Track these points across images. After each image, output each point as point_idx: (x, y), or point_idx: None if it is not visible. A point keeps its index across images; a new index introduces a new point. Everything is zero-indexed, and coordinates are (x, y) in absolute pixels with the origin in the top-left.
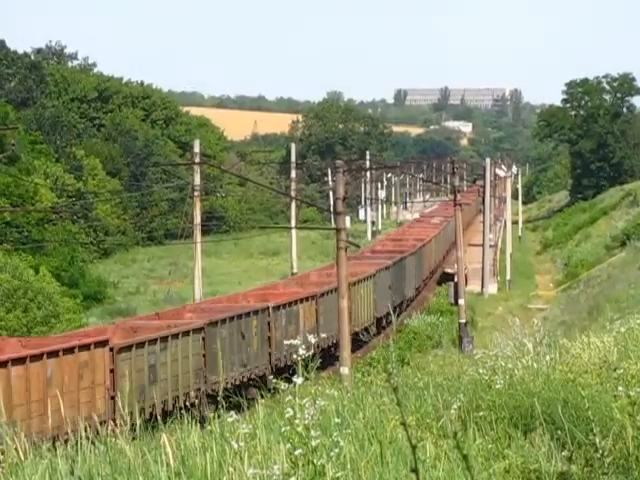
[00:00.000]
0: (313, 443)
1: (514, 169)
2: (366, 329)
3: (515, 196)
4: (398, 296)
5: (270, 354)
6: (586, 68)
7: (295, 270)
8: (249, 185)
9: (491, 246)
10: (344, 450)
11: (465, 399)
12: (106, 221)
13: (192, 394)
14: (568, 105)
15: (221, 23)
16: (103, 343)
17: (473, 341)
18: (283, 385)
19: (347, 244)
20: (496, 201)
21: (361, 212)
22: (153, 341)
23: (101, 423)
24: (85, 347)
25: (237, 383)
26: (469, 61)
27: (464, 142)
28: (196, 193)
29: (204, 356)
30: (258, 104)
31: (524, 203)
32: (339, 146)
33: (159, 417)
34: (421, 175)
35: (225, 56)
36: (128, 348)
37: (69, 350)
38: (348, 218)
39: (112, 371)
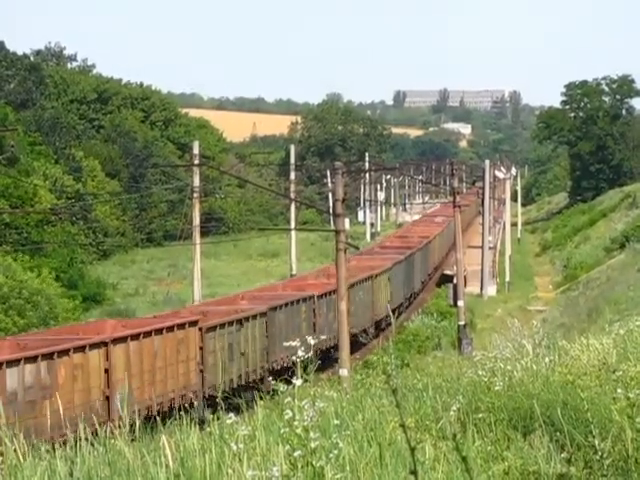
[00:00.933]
0: (312, 445)
1: (513, 171)
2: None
3: (514, 198)
4: (408, 289)
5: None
6: (585, 70)
7: (294, 272)
8: (248, 187)
9: (490, 248)
10: (343, 452)
11: (464, 401)
12: (105, 222)
13: (258, 371)
14: (567, 107)
15: (220, 24)
16: (194, 323)
17: (472, 343)
18: (282, 387)
19: (346, 246)
20: (495, 203)
21: (360, 214)
22: (231, 323)
23: (193, 393)
24: (181, 326)
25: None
26: (468, 63)
27: (463, 144)
28: (195, 194)
29: (267, 337)
30: (257, 106)
31: (523, 205)
32: (338, 148)
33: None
34: (420, 177)
35: (224, 57)
36: (213, 328)
37: (170, 328)
38: (347, 220)
39: (201, 348)
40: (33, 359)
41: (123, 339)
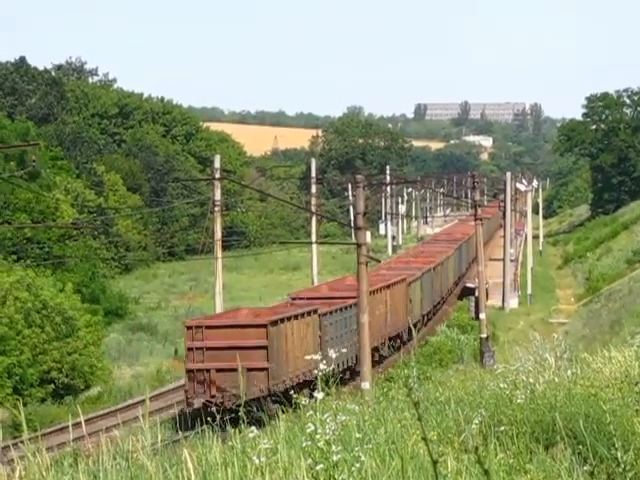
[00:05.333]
0: (334, 458)
1: (535, 183)
2: (443, 297)
3: (536, 210)
4: (459, 270)
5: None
6: (606, 82)
7: (315, 285)
8: (269, 200)
9: (512, 260)
10: (365, 465)
11: (486, 414)
12: (127, 237)
13: (423, 313)
14: (588, 119)
15: (242, 39)
16: (403, 280)
17: (494, 355)
18: (304, 400)
19: (368, 259)
20: (517, 215)
21: (381, 227)
22: (409, 283)
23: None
24: (387, 287)
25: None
26: (489, 75)
27: (484, 156)
28: (216, 208)
29: (422, 292)
30: (278, 119)
31: (545, 217)
32: (359, 161)
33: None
34: (441, 190)
35: (245, 71)
36: (410, 283)
37: (387, 287)
38: (369, 233)
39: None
40: (387, 287)
41: (394, 284)
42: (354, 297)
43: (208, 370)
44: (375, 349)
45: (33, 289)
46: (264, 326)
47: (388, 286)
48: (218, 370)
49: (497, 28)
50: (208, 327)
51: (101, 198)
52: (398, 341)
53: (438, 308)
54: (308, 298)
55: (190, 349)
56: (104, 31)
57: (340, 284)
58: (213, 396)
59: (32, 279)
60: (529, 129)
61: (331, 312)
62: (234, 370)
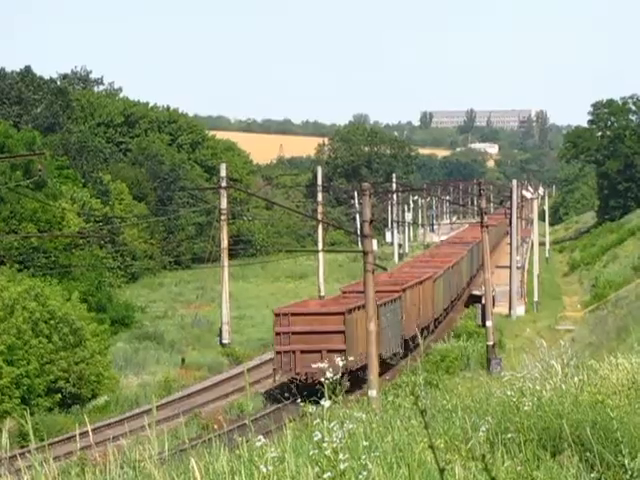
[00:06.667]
0: (341, 466)
1: (541, 190)
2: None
3: (542, 217)
4: (472, 270)
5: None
6: (612, 89)
7: (322, 293)
8: (276, 208)
9: (518, 268)
10: (372, 473)
11: (493, 421)
12: (133, 245)
13: (446, 302)
14: (594, 126)
15: (247, 47)
16: (430, 277)
17: (501, 363)
18: (311, 408)
19: (374, 267)
20: (523, 223)
21: (388, 235)
22: (436, 279)
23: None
24: (420, 283)
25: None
26: (495, 83)
27: (490, 164)
28: (223, 217)
29: (449, 286)
30: (284, 127)
31: (551, 224)
32: (365, 169)
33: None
34: (447, 197)
35: (251, 80)
36: (435, 280)
37: (425, 280)
38: (375, 241)
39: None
40: (419, 283)
41: (425, 280)
42: (397, 291)
43: (294, 351)
44: (412, 338)
45: (41, 299)
46: (342, 314)
47: (421, 282)
48: (302, 351)
49: (502, 35)
50: (294, 314)
51: (107, 207)
52: (425, 332)
53: (454, 304)
54: (357, 292)
55: (278, 334)
56: (109, 40)
57: (375, 279)
58: (297, 374)
59: (40, 289)
60: (535, 136)
61: (385, 304)
62: (316, 351)
